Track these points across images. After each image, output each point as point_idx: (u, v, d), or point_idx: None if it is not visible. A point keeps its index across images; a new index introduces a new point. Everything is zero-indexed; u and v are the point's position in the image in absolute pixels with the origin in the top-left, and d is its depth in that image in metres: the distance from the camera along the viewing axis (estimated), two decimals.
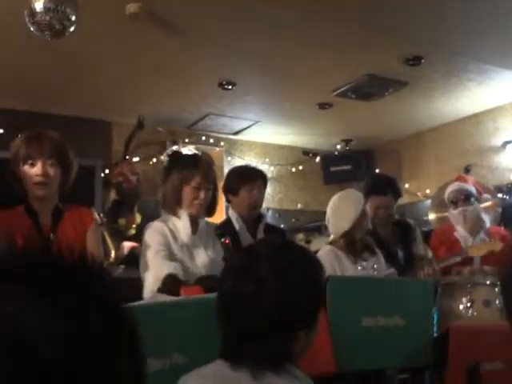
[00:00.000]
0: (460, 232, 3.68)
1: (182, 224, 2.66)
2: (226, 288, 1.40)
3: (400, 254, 3.55)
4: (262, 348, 1.32)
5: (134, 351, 0.60)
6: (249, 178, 3.26)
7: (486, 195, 3.86)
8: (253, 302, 1.32)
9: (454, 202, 3.73)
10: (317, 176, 7.19)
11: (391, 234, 3.61)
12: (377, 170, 6.86)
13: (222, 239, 2.58)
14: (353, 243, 3.11)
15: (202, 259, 2.64)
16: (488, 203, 3.61)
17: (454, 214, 3.72)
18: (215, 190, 2.82)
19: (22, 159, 2.43)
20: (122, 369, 0.57)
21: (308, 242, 5.55)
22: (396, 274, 3.14)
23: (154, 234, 2.61)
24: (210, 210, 2.83)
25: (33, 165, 2.42)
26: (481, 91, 5.54)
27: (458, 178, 3.97)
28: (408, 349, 2.37)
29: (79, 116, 5.78)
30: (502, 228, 4.03)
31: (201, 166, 2.74)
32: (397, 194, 3.67)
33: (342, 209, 3.15)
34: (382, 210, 3.56)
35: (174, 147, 5.83)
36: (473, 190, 3.77)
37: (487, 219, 3.73)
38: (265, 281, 1.33)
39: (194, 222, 2.71)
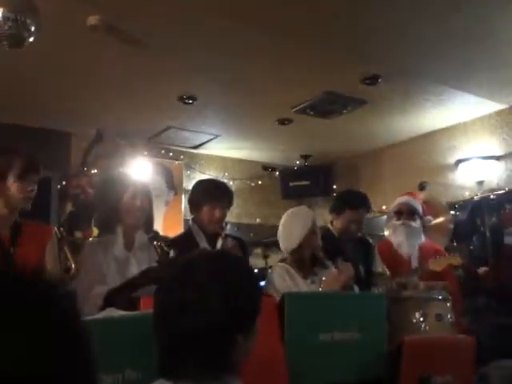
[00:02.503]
0: (400, 245, 3.77)
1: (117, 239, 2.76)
2: (163, 298, 1.39)
3: (361, 269, 3.60)
4: (200, 358, 1.31)
5: (87, 362, 0.61)
6: (213, 196, 3.23)
7: (428, 217, 3.97)
8: (192, 307, 1.31)
9: (399, 214, 3.84)
10: (275, 191, 7.24)
11: (353, 250, 3.66)
12: (334, 186, 6.94)
13: (155, 242, 2.63)
14: (301, 260, 3.14)
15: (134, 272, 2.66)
16: (438, 221, 3.71)
17: (395, 224, 3.83)
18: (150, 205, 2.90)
19: (19, 175, 2.52)
20: (74, 379, 0.58)
21: (266, 256, 5.55)
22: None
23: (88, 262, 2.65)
24: (148, 225, 2.90)
25: (26, 180, 2.53)
26: (437, 111, 5.70)
27: (408, 194, 4.06)
28: (362, 362, 2.41)
29: (38, 126, 5.70)
30: (429, 241, 4.10)
31: (133, 180, 2.93)
32: (369, 209, 3.76)
33: (290, 226, 3.19)
34: (355, 224, 3.62)
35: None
36: (419, 207, 3.87)
37: (422, 238, 3.84)
38: (204, 285, 1.33)
39: (130, 237, 2.78)
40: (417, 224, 3.81)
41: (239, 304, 1.36)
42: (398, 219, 3.83)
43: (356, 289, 3.11)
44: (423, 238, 3.86)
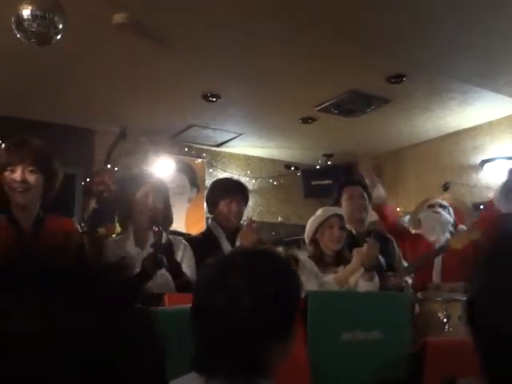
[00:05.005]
0: (427, 231, 3.77)
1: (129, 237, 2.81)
2: (199, 298, 1.36)
3: (382, 261, 3.58)
4: (233, 360, 1.28)
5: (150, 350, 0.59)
6: (228, 191, 3.31)
7: (461, 226, 3.96)
8: (225, 313, 1.27)
9: (431, 206, 3.87)
10: (298, 189, 7.23)
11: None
12: None
13: (154, 227, 2.69)
14: (320, 255, 3.17)
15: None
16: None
17: (428, 212, 3.85)
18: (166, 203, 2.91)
19: (3, 166, 2.41)
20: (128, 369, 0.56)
21: None
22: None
23: None
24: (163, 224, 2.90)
25: (13, 171, 2.40)
26: (461, 110, 5.64)
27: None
28: (385, 363, 2.39)
29: (62, 123, 5.75)
30: None
31: (146, 178, 2.95)
32: (364, 186, 3.81)
33: (311, 219, 3.31)
34: (356, 199, 3.66)
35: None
36: (451, 209, 3.88)
37: (448, 232, 3.84)
38: (238, 292, 1.27)
39: (143, 235, 2.78)
40: (447, 215, 3.81)
41: (276, 313, 1.30)
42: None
43: (376, 278, 3.10)
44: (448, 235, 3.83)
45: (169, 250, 2.73)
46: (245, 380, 1.28)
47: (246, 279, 1.30)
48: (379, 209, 3.90)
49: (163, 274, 2.67)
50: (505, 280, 0.85)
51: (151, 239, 2.78)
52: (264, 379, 1.31)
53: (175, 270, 2.71)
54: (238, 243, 3.18)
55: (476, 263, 0.94)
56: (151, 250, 2.65)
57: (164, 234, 2.76)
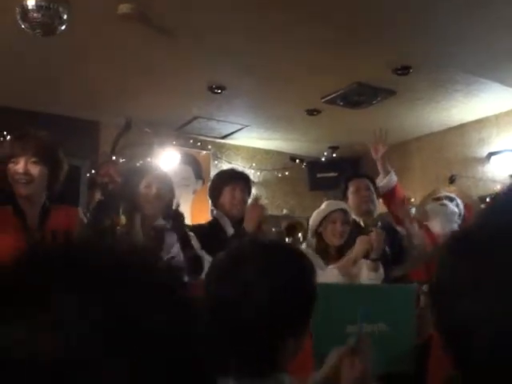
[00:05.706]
0: (433, 224, 3.77)
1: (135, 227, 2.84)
2: (211, 292, 1.31)
3: (388, 251, 3.57)
4: (248, 356, 1.24)
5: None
6: (231, 178, 3.37)
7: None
8: (238, 307, 1.23)
9: (437, 199, 3.88)
10: (303, 182, 7.21)
11: None
12: None
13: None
14: (324, 247, 3.19)
15: None
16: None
17: (434, 205, 3.84)
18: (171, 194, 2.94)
19: (7, 158, 2.43)
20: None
21: None
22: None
23: None
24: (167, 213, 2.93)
25: (16, 163, 2.42)
26: (467, 102, 5.60)
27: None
28: (390, 355, 2.39)
29: (67, 115, 5.75)
30: None
31: (150, 168, 3.03)
32: (370, 178, 3.84)
33: (315, 212, 3.33)
34: (362, 191, 3.66)
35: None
36: (459, 201, 3.85)
37: (456, 224, 3.83)
38: (250, 286, 1.22)
39: (149, 224, 2.82)
40: (454, 207, 3.80)
41: (291, 308, 1.26)
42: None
43: (381, 269, 3.09)
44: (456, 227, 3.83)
45: (179, 217, 2.84)
46: (257, 375, 1.25)
47: (259, 272, 1.25)
48: (388, 193, 3.87)
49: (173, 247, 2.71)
50: (466, 270, 0.81)
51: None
52: (278, 374, 1.27)
53: (184, 239, 2.75)
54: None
55: (441, 250, 0.91)
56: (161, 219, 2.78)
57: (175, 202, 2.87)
